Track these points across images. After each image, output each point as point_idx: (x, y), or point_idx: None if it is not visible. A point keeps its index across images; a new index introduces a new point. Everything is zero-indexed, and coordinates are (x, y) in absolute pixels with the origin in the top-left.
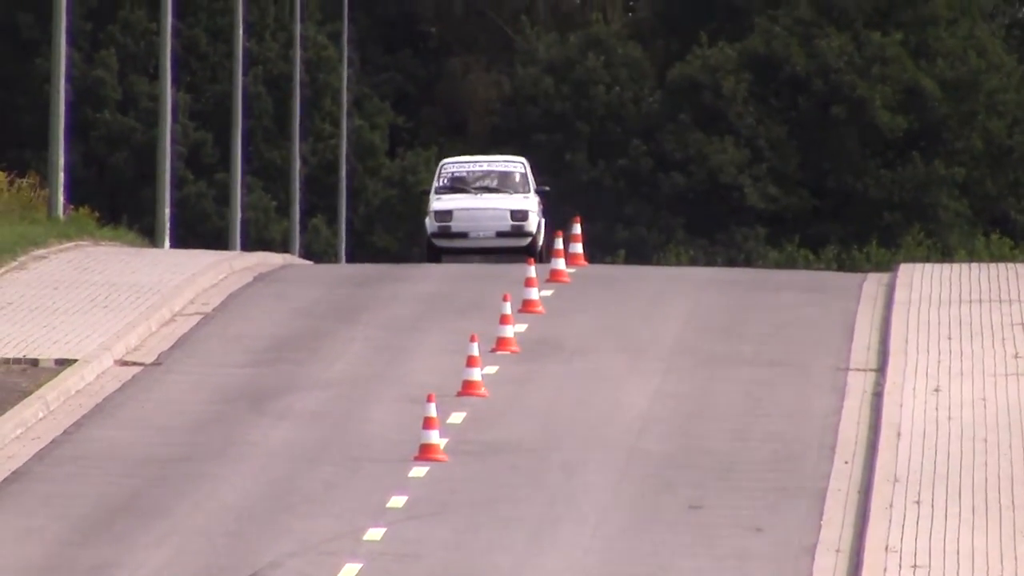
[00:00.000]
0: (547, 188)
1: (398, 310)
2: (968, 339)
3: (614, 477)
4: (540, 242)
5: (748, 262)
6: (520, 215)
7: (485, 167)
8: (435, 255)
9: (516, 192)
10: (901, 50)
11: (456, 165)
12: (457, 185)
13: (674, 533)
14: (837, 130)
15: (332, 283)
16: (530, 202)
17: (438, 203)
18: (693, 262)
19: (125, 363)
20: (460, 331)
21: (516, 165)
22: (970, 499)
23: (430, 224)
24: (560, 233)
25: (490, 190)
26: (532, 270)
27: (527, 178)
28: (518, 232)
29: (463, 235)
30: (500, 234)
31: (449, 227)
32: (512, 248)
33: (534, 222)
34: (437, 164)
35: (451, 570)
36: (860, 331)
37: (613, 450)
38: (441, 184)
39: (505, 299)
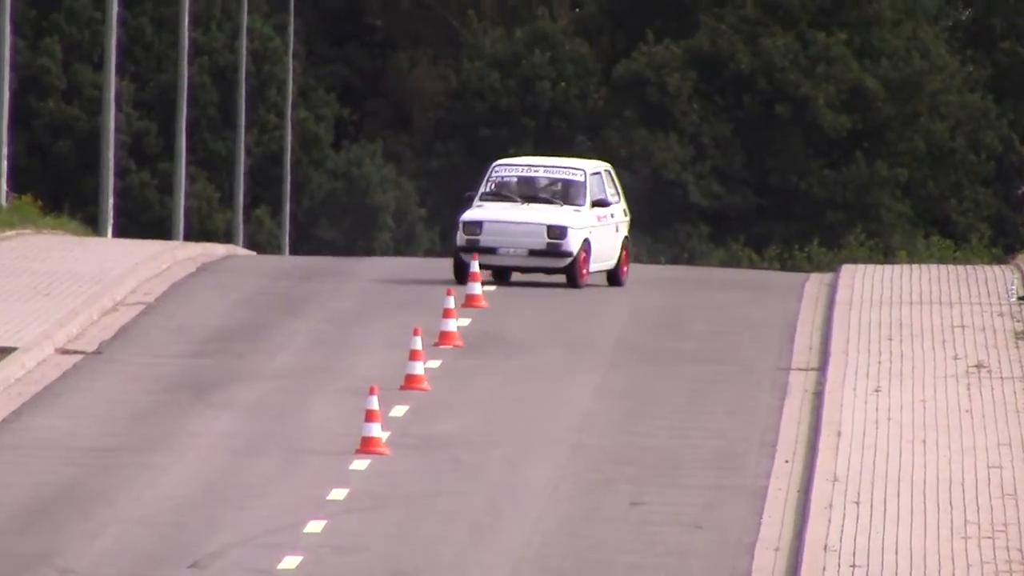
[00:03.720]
0: (606, 200)
1: (341, 303)
2: (909, 340)
3: (555, 472)
4: (586, 264)
5: (691, 260)
6: (558, 232)
7: (540, 173)
8: (462, 273)
9: (570, 204)
10: (846, 50)
11: (507, 169)
12: (505, 192)
13: (614, 529)
14: (781, 129)
15: (275, 275)
16: (578, 217)
17: (470, 213)
18: (637, 259)
19: (66, 352)
20: (403, 325)
21: (576, 173)
22: (909, 500)
23: (459, 237)
24: None
25: (540, 200)
26: (476, 264)
27: (585, 188)
28: (554, 251)
29: (491, 251)
30: (533, 252)
31: (477, 241)
32: (548, 269)
33: (576, 240)
34: (382, 158)
35: (391, 563)
36: (802, 331)
37: (555, 445)
38: (488, 190)
39: (449, 293)
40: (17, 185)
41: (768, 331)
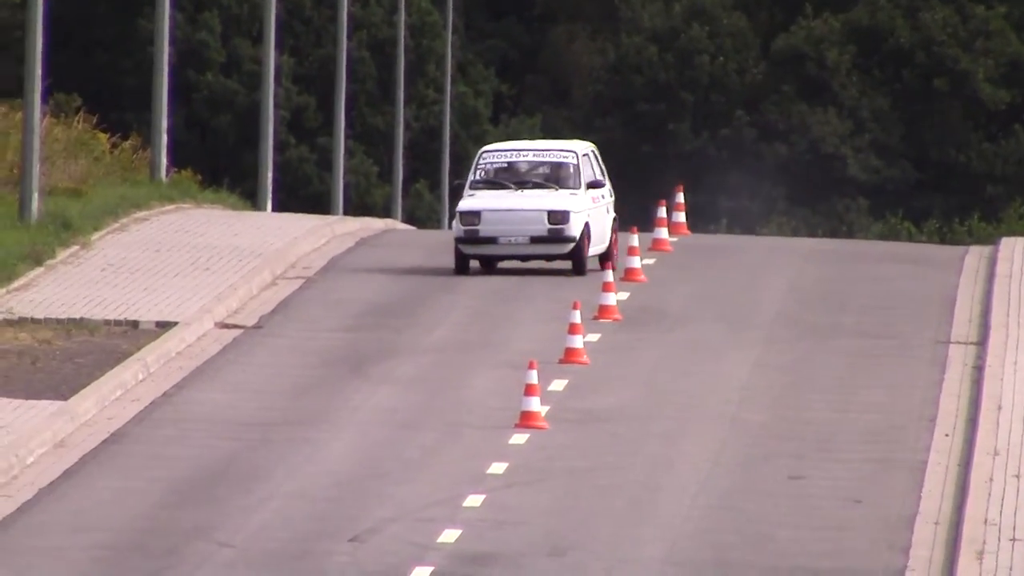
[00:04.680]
0: (601, 181)
1: (500, 277)
2: None
3: (714, 447)
4: (588, 248)
5: (850, 233)
6: (559, 216)
7: (531, 157)
8: (463, 265)
9: (564, 188)
10: (1005, 23)
11: (496, 155)
12: (497, 179)
13: (773, 503)
14: (940, 103)
15: (434, 249)
16: (576, 200)
17: (465, 202)
18: (795, 232)
19: (225, 326)
20: (562, 299)
21: (567, 155)
22: None
23: (456, 227)
24: (663, 202)
25: (535, 185)
26: (635, 239)
27: (579, 170)
28: (557, 237)
29: (491, 240)
30: (535, 239)
31: (476, 231)
32: (552, 256)
33: (578, 224)
34: (541, 132)
35: (550, 537)
36: (961, 304)
37: (713, 420)
38: (477, 178)
39: (608, 267)
40: (176, 159)
41: (927, 304)
